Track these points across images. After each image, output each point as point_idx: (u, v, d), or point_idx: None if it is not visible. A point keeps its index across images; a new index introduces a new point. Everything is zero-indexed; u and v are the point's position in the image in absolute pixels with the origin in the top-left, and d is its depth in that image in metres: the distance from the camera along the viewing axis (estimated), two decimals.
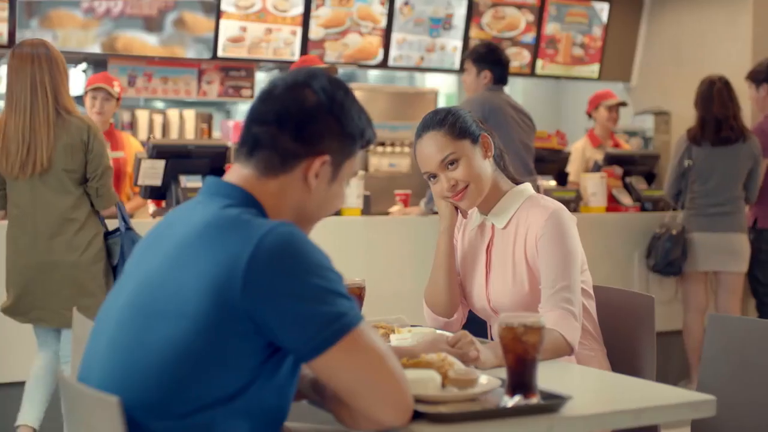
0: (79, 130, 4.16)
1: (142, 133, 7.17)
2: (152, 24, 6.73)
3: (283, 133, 1.90)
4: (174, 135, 7.26)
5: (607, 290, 2.96)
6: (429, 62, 7.61)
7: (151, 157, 4.96)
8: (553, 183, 6.05)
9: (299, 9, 7.08)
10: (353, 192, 5.36)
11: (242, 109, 8.20)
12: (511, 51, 7.79)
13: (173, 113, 7.48)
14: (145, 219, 5.20)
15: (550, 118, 8.90)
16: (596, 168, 6.26)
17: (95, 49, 6.63)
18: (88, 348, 1.91)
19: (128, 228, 4.30)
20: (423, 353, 2.21)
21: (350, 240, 5.26)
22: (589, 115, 6.74)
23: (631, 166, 6.31)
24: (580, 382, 2.40)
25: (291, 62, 7.17)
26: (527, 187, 2.85)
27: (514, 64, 7.84)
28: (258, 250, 1.76)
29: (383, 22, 7.37)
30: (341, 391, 1.82)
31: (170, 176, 4.98)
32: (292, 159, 1.91)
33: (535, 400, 1.98)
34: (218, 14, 6.85)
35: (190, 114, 7.48)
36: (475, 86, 5.39)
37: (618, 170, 6.19)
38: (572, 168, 6.34)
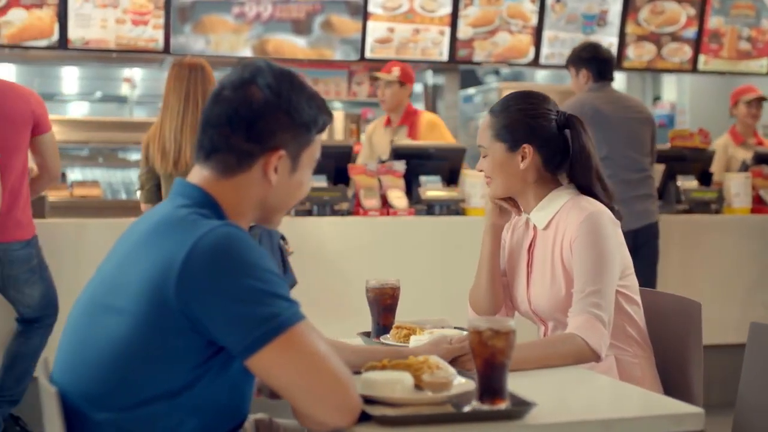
0: None
1: None
2: (301, 27, 6.89)
3: (235, 134, 1.93)
4: (323, 136, 7.36)
5: (654, 294, 2.83)
6: None
7: None
8: (694, 183, 5.80)
9: (447, 9, 7.07)
10: (477, 192, 5.30)
11: None
12: (671, 46, 7.54)
13: None
14: None
15: (719, 116, 8.53)
16: (744, 168, 5.96)
17: (246, 52, 6.84)
18: (59, 341, 2.00)
19: None
20: (424, 354, 2.19)
21: (473, 240, 5.19)
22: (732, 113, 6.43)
23: None
24: (570, 387, 2.30)
25: (439, 62, 7.19)
26: (573, 188, 2.76)
27: (674, 60, 7.58)
28: (193, 251, 1.79)
29: (534, 20, 7.27)
30: (280, 392, 1.82)
31: None
32: (248, 158, 1.94)
33: (503, 405, 1.92)
34: (365, 16, 6.93)
35: (338, 115, 7.60)
36: (578, 88, 5.28)
37: (767, 170, 5.87)
38: (716, 167, 6.05)
